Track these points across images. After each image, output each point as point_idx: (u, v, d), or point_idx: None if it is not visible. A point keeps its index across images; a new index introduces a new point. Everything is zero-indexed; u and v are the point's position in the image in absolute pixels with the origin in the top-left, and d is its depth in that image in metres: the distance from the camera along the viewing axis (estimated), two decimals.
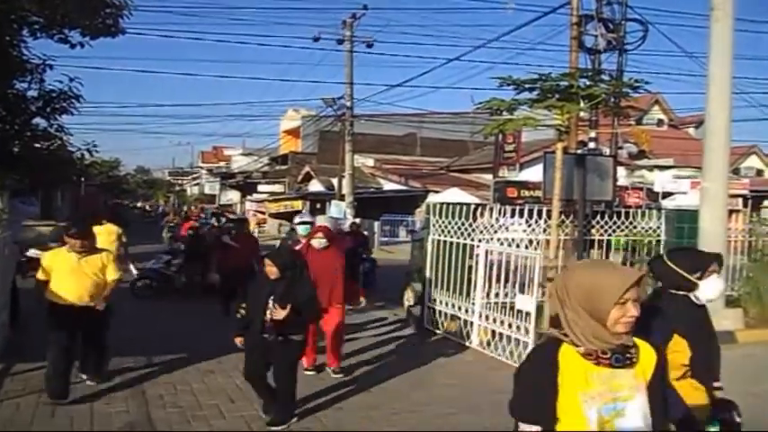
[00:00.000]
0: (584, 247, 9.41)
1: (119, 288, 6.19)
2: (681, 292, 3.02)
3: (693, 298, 3.02)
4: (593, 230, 9.51)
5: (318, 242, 6.59)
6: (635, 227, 9.73)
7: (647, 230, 9.83)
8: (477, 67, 71.94)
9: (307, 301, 5.04)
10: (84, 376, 6.02)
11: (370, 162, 32.39)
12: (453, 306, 8.69)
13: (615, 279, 1.91)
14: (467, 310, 8.41)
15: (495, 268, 8.25)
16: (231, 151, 57.38)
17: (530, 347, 7.13)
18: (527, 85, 8.40)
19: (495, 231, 8.87)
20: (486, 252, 8.23)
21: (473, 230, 8.69)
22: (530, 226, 8.95)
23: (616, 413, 1.89)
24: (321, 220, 8.93)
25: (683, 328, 2.90)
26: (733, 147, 10.89)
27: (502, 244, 8.53)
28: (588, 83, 8.85)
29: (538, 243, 8.81)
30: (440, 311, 8.92)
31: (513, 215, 8.99)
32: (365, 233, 15.84)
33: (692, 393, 2.89)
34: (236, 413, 5.35)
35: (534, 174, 16.61)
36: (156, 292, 11.64)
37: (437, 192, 23.06)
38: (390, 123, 31.30)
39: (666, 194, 21.23)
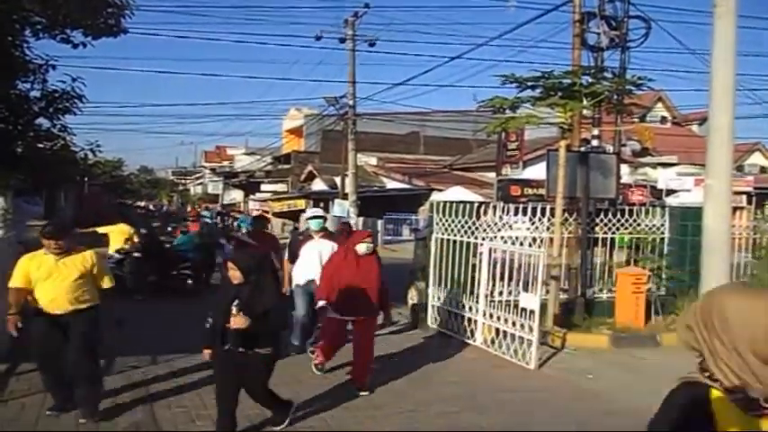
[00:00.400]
0: (588, 245, 9.41)
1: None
2: None
3: None
4: (597, 228, 9.50)
5: (367, 247, 6.18)
6: (638, 224, 9.72)
7: (650, 228, 9.80)
8: (479, 65, 72.02)
9: (273, 309, 4.53)
10: (82, 419, 5.12)
11: (373, 161, 32.38)
12: (457, 304, 8.69)
13: None
14: (470, 309, 8.42)
15: (498, 266, 8.26)
16: (234, 151, 57.47)
17: (534, 345, 7.14)
18: (530, 83, 8.40)
19: (499, 229, 8.87)
20: (490, 250, 8.23)
21: (476, 229, 8.69)
22: (533, 224, 8.95)
23: None
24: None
25: None
26: (737, 144, 10.88)
27: (505, 242, 8.53)
28: (591, 80, 8.83)
29: (541, 241, 8.81)
30: (443, 309, 8.92)
31: (516, 213, 9.00)
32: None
33: None
34: (239, 412, 5.34)
35: (537, 172, 16.54)
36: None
37: (440, 190, 23.03)
38: (393, 122, 31.27)
39: (670, 192, 21.19)
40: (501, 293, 8.29)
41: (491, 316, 8.00)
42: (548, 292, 8.44)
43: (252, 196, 43.10)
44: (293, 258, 7.78)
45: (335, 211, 22.27)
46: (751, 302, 1.52)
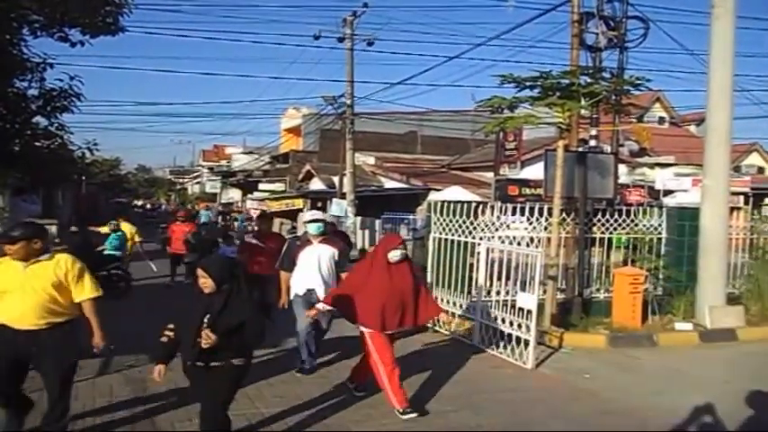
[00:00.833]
0: (586, 245, 9.43)
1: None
2: None
3: None
4: (595, 228, 9.52)
5: (401, 254, 5.51)
6: (636, 225, 9.74)
7: (648, 228, 9.82)
8: (477, 65, 71.70)
9: (249, 321, 4.05)
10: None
11: (371, 160, 32.34)
12: (455, 304, 8.70)
13: None
14: (468, 308, 8.42)
15: (496, 266, 8.27)
16: (232, 150, 57.39)
17: (531, 345, 7.15)
18: (528, 83, 8.40)
19: (497, 229, 8.89)
20: (488, 250, 8.24)
21: (474, 228, 8.71)
22: (531, 224, 8.97)
23: None
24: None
25: None
26: (734, 144, 10.88)
27: (503, 242, 8.54)
28: (589, 80, 8.85)
29: (539, 241, 8.83)
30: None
31: (514, 213, 9.01)
32: (344, 232, 14.99)
33: None
34: (237, 411, 5.32)
35: (535, 172, 16.57)
36: None
37: (438, 190, 22.99)
38: (391, 121, 31.26)
39: (668, 192, 21.21)
40: (498, 293, 8.31)
41: (489, 316, 8.00)
42: (545, 291, 8.46)
43: (250, 195, 43.04)
44: (291, 266, 6.86)
45: (333, 210, 22.22)
46: None
